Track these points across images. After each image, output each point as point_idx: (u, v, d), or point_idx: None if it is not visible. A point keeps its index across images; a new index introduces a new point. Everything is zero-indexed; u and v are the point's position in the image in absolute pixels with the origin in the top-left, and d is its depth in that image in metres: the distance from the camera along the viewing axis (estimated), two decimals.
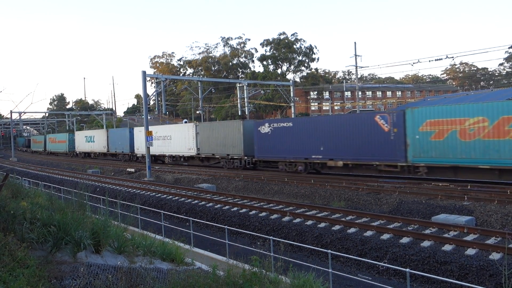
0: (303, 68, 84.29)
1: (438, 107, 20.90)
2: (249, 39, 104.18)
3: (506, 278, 6.90)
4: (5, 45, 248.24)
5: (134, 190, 24.89)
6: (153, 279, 6.41)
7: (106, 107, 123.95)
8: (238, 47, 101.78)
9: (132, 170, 37.81)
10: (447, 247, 11.41)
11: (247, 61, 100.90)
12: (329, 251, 9.33)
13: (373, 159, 23.39)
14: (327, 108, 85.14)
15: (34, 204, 8.98)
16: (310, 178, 24.97)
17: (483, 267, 10.08)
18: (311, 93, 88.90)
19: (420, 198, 18.22)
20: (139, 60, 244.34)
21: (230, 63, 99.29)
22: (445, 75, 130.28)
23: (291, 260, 8.73)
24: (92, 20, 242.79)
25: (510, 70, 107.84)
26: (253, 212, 17.25)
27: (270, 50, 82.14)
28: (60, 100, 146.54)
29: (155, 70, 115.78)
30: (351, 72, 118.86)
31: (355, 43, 45.71)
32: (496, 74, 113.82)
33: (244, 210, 17.68)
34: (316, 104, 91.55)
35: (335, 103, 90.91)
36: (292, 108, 47.27)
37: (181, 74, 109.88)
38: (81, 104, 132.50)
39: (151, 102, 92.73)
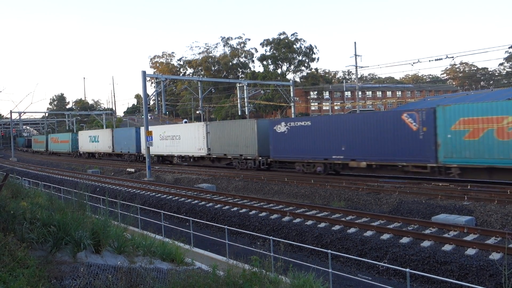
0: (303, 68, 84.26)
1: (473, 105, 19.72)
2: (249, 39, 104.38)
3: (506, 278, 6.88)
4: (5, 45, 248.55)
5: (134, 190, 24.89)
6: (153, 279, 6.42)
7: (106, 107, 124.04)
8: (238, 47, 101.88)
9: (132, 170, 37.83)
10: (447, 247, 11.41)
11: (247, 61, 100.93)
12: (329, 251, 9.34)
13: (400, 160, 22.26)
14: (327, 108, 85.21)
15: (34, 204, 8.98)
16: (310, 178, 24.97)
17: (483, 267, 10.08)
18: (311, 93, 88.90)
19: (420, 198, 18.21)
20: (139, 60, 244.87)
21: (230, 63, 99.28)
22: (445, 75, 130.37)
23: (291, 260, 8.73)
24: (92, 20, 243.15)
25: (510, 70, 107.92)
26: (253, 212, 17.25)
27: (270, 50, 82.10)
28: (60, 100, 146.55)
29: (155, 70, 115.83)
30: (351, 72, 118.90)
31: (355, 43, 45.76)
32: (496, 74, 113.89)
33: (244, 210, 17.68)
34: (316, 104, 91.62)
35: (335, 103, 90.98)
36: (292, 108, 47.23)
37: (181, 74, 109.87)
38: (81, 104, 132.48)
39: (151, 102, 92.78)
